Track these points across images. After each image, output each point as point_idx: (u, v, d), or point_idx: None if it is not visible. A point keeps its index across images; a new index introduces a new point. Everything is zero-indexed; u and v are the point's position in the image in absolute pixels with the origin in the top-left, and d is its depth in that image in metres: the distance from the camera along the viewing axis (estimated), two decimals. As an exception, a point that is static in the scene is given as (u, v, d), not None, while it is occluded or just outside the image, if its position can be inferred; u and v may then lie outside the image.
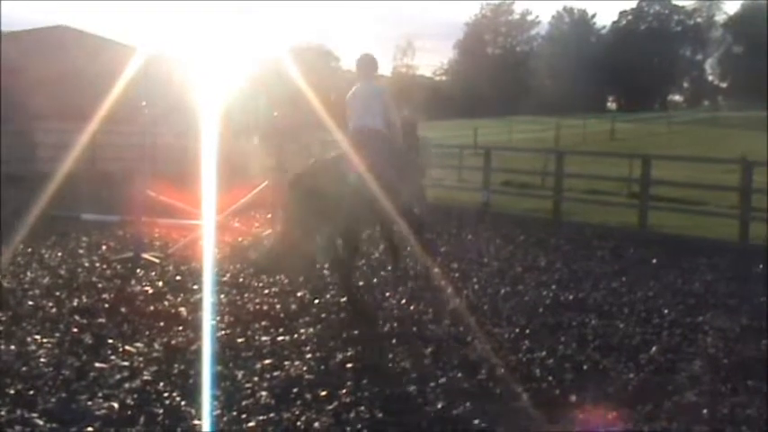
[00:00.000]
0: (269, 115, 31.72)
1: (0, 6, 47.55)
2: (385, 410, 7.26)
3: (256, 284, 12.53)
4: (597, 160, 34.22)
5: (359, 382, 7.98)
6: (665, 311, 11.45)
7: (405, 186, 11.35)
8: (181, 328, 9.88)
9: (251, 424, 6.89)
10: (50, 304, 10.83)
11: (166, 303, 11.13)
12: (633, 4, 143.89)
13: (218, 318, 10.35)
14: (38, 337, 9.27)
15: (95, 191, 23.22)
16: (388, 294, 11.92)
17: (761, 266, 15.42)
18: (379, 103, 11.38)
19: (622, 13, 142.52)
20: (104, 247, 15.58)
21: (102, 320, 10.10)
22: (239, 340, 9.41)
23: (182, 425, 6.85)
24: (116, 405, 7.16)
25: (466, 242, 17.81)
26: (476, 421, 7.06)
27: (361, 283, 11.55)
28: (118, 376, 7.96)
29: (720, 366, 8.95)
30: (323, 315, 10.71)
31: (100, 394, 7.44)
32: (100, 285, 12.20)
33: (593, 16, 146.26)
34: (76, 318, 10.19)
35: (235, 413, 7.09)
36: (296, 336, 9.67)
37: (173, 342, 9.24)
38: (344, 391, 7.70)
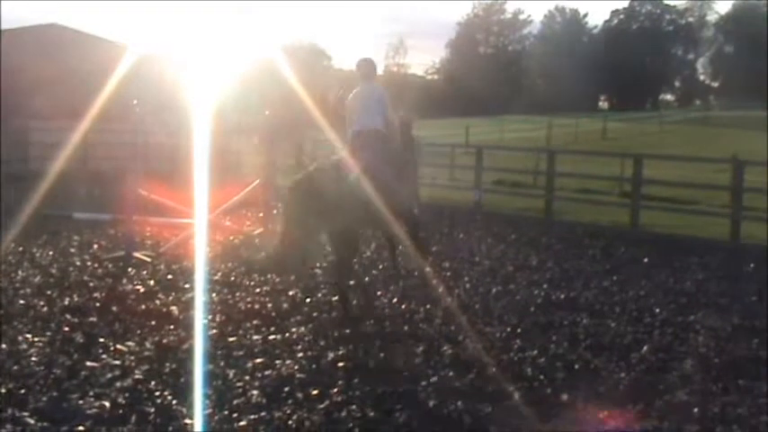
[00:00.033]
0: (261, 114, 31.68)
1: (0, 6, 47.35)
2: (376, 409, 7.27)
3: (248, 283, 12.54)
4: (589, 159, 34.24)
5: (350, 381, 7.98)
6: (657, 311, 11.47)
7: (404, 186, 11.38)
8: (172, 326, 9.88)
9: (242, 423, 6.89)
10: (42, 303, 10.83)
11: (158, 302, 11.13)
12: (625, 4, 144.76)
13: (210, 317, 10.35)
14: (29, 335, 9.27)
15: (87, 190, 23.21)
16: (379, 293, 11.94)
17: (752, 266, 15.45)
18: (378, 105, 11.42)
19: (614, 13, 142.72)
20: (96, 246, 15.57)
21: (93, 319, 10.10)
22: (231, 339, 9.42)
23: (173, 424, 6.85)
24: (107, 404, 7.16)
25: (458, 241, 17.81)
26: (467, 420, 7.07)
27: (352, 282, 11.53)
28: (109, 375, 7.96)
29: (711, 365, 8.97)
30: (314, 314, 10.71)
31: (91, 393, 7.44)
32: (91, 284, 12.19)
33: (585, 16, 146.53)
34: (68, 317, 10.19)
35: (226, 412, 7.09)
36: (287, 335, 9.68)
37: (164, 341, 9.23)
38: (336, 389, 7.71)
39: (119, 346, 8.96)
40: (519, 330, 10.17)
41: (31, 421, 6.79)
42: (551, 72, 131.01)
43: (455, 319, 10.51)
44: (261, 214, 18.63)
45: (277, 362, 8.57)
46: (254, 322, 10.19)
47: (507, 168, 30.37)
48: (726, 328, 10.58)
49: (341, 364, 8.55)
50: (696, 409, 7.53)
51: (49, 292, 11.47)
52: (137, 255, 14.37)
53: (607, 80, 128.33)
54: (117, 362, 8.42)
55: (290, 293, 11.78)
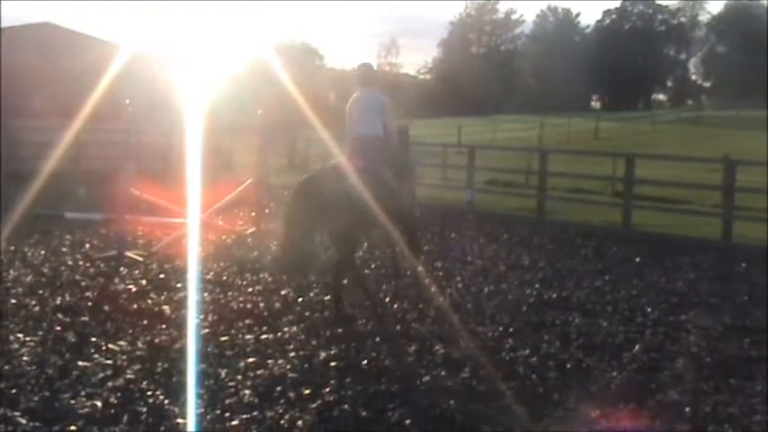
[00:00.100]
0: (253, 113, 31.71)
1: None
2: (369, 408, 7.27)
3: (240, 283, 12.54)
4: (581, 159, 34.32)
5: (342, 381, 7.99)
6: (649, 310, 11.49)
7: (405, 189, 11.41)
8: (164, 326, 9.88)
9: (234, 422, 6.89)
10: (33, 302, 10.81)
11: (150, 302, 11.13)
12: (617, 4, 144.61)
13: (202, 316, 10.34)
14: (21, 335, 9.26)
15: (79, 189, 23.18)
16: (373, 292, 11.94)
17: (744, 265, 15.48)
18: (378, 111, 11.42)
19: (606, 13, 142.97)
20: (88, 246, 15.54)
21: (85, 319, 10.09)
22: (223, 338, 9.41)
23: (165, 423, 6.84)
24: (99, 404, 7.15)
25: (450, 241, 17.83)
26: (460, 419, 7.08)
27: (344, 281, 11.53)
28: (101, 375, 7.96)
29: (703, 365, 8.99)
30: (306, 314, 10.72)
31: (83, 393, 7.44)
32: (83, 284, 12.18)
33: (578, 15, 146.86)
34: (59, 316, 10.17)
35: (218, 411, 7.09)
36: (279, 334, 9.68)
37: (156, 340, 9.23)
38: (328, 389, 7.71)
39: (111, 346, 8.96)
40: (511, 330, 10.18)
41: (23, 421, 6.78)
42: (544, 72, 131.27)
43: (447, 318, 10.52)
44: (253, 213, 18.63)
45: (269, 361, 8.57)
46: (247, 322, 10.18)
47: (499, 168, 30.39)
48: (717, 328, 10.61)
49: (333, 364, 8.55)
50: (688, 409, 7.54)
51: (40, 292, 11.45)
52: (129, 254, 14.36)
53: (599, 80, 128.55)
54: (109, 361, 8.41)
55: (283, 293, 11.78)
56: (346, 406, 7.29)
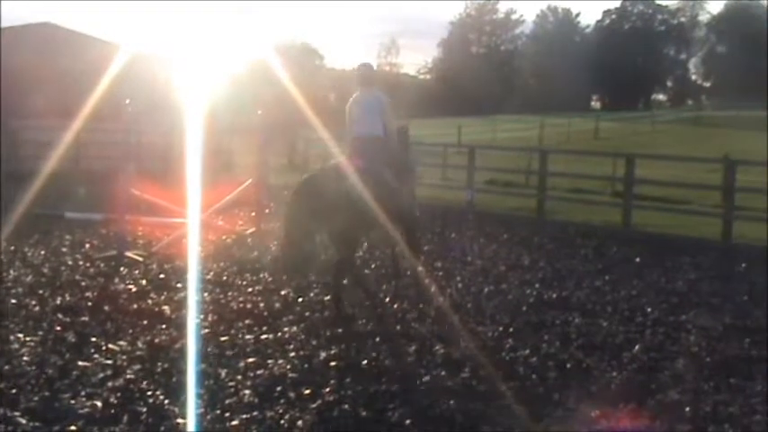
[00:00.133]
0: (253, 113, 31.75)
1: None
2: (369, 408, 7.28)
3: (240, 283, 12.54)
4: (581, 159, 34.31)
5: (342, 381, 7.99)
6: (649, 310, 11.49)
7: (405, 189, 11.41)
8: (164, 326, 9.88)
9: (234, 422, 6.89)
10: (34, 302, 10.81)
11: (150, 302, 11.13)
12: (617, 4, 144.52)
13: (202, 316, 10.34)
14: (21, 335, 9.26)
15: (79, 189, 23.17)
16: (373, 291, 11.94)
17: (744, 265, 15.48)
18: (378, 112, 11.43)
19: (606, 13, 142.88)
20: (88, 246, 15.54)
21: (85, 319, 10.09)
22: (223, 339, 9.42)
23: (165, 423, 6.85)
24: (99, 404, 7.15)
25: (450, 241, 17.82)
26: (460, 419, 7.08)
27: (345, 282, 11.53)
28: (101, 375, 7.96)
29: (703, 365, 8.99)
30: (306, 314, 10.72)
31: (83, 393, 7.44)
32: (83, 284, 12.18)
33: (578, 15, 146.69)
34: (59, 316, 10.18)
35: (218, 411, 7.09)
36: (279, 334, 9.68)
37: (156, 340, 9.23)
38: (328, 389, 7.72)
39: (111, 346, 8.96)
40: (511, 330, 10.18)
41: (23, 421, 6.78)
42: (544, 72, 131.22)
43: (447, 318, 10.52)
44: (253, 214, 18.62)
45: (269, 361, 8.57)
46: (247, 322, 10.19)
47: (499, 168, 30.36)
48: (717, 328, 10.61)
49: (333, 364, 8.56)
50: (688, 409, 7.55)
51: (40, 292, 11.46)
52: (129, 254, 14.36)
53: (599, 80, 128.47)
54: (109, 361, 8.42)
55: (283, 293, 11.78)
56: (346, 406, 7.30)
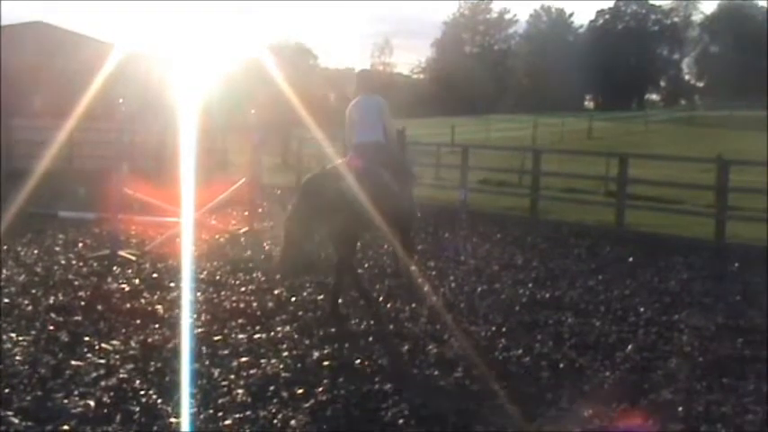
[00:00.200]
0: (247, 113, 31.77)
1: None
2: (361, 408, 7.28)
3: (233, 282, 12.54)
4: (574, 159, 34.37)
5: (335, 380, 7.99)
6: (641, 310, 11.50)
7: (405, 191, 11.44)
8: (157, 325, 9.87)
9: (227, 422, 6.89)
10: (26, 302, 10.80)
11: (143, 301, 11.12)
12: (610, 4, 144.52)
13: (195, 315, 10.34)
14: (13, 334, 9.24)
15: (72, 188, 23.15)
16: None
17: (736, 265, 15.50)
18: (378, 117, 11.46)
19: (600, 13, 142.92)
20: (81, 245, 15.53)
21: (78, 318, 10.08)
22: (216, 338, 9.41)
23: (158, 423, 6.84)
24: (92, 403, 7.14)
25: (443, 240, 17.83)
26: (452, 419, 7.08)
27: (328, 280, 11.54)
28: (94, 374, 7.95)
29: (696, 364, 9.01)
30: (300, 313, 10.72)
31: (76, 392, 7.43)
32: (76, 283, 12.16)
33: (571, 15, 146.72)
34: (52, 315, 10.16)
35: (211, 411, 7.09)
36: (273, 334, 9.68)
37: (149, 340, 9.22)
38: (321, 388, 7.71)
39: (104, 345, 8.95)
40: (504, 329, 10.19)
41: (16, 420, 6.77)
42: (537, 71, 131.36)
43: (440, 318, 10.53)
44: (246, 213, 18.61)
45: (262, 361, 8.57)
46: (240, 321, 10.18)
47: (493, 168, 30.35)
48: (710, 328, 10.62)
49: (326, 363, 8.56)
50: (681, 408, 7.55)
51: (33, 291, 11.44)
52: (122, 253, 14.34)
53: (593, 80, 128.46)
54: (102, 361, 8.40)
55: (276, 292, 11.78)
56: (339, 405, 7.30)
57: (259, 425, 6.86)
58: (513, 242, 17.72)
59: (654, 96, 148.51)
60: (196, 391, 7.54)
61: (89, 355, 8.62)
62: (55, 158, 23.98)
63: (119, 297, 11.31)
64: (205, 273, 13.14)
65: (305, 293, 11.79)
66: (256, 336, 9.55)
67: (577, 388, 8.05)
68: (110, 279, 12.58)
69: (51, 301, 10.87)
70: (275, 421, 6.92)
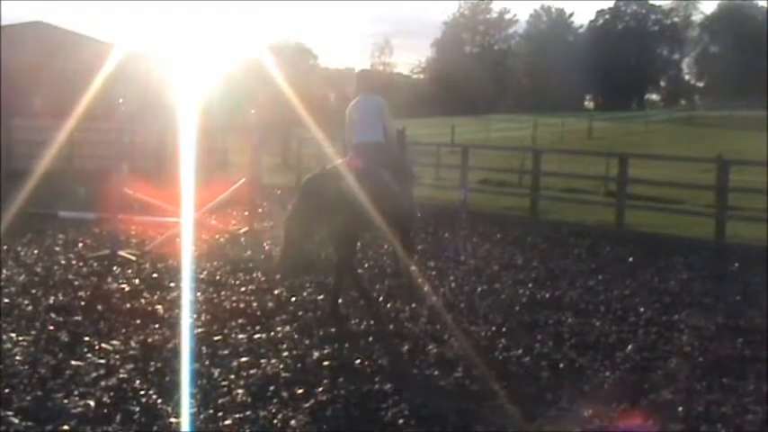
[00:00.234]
0: (247, 113, 31.79)
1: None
2: (361, 408, 7.28)
3: (233, 282, 12.54)
4: (574, 159, 34.36)
5: (335, 380, 7.99)
6: (641, 310, 11.50)
7: (404, 191, 11.44)
8: (157, 325, 9.87)
9: (227, 422, 6.89)
10: (26, 302, 10.79)
11: (143, 301, 11.12)
12: (610, 4, 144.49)
13: (195, 315, 10.34)
14: (13, 334, 9.24)
15: (72, 188, 23.15)
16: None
17: (736, 265, 15.50)
18: (379, 118, 11.47)
19: (600, 13, 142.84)
20: (81, 245, 15.53)
21: (78, 318, 10.08)
22: (216, 338, 9.41)
23: (158, 423, 6.84)
24: (92, 403, 7.14)
25: (443, 240, 17.82)
26: (452, 419, 7.08)
27: (328, 280, 11.54)
28: (94, 374, 7.94)
29: (696, 364, 9.00)
30: (300, 313, 10.72)
31: (76, 392, 7.43)
32: (76, 283, 12.16)
33: (571, 15, 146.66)
34: (52, 315, 10.16)
35: (211, 411, 7.09)
36: (273, 334, 9.68)
37: (149, 340, 9.22)
38: (321, 388, 7.71)
39: (104, 345, 8.95)
40: (504, 329, 10.18)
41: (16, 420, 6.77)
42: (537, 71, 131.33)
43: (440, 317, 10.52)
44: (246, 213, 18.61)
45: (262, 361, 8.57)
46: (240, 321, 10.18)
47: (493, 167, 30.33)
48: (710, 328, 10.62)
49: (326, 363, 8.56)
50: (681, 408, 7.55)
51: (33, 291, 11.43)
52: (122, 253, 14.34)
53: (593, 80, 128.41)
54: (102, 361, 8.40)
55: (276, 292, 11.78)
56: (339, 405, 7.30)
57: (259, 425, 6.86)
58: (513, 242, 17.72)
59: (654, 96, 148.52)
60: (196, 391, 7.54)
61: (89, 355, 8.62)
62: (55, 158, 23.99)
63: (119, 297, 11.31)
64: (205, 273, 13.14)
65: (305, 293, 11.79)
66: (256, 336, 9.55)
67: (577, 388, 8.05)
68: (110, 279, 12.57)
69: (51, 301, 10.87)
70: (275, 421, 6.92)
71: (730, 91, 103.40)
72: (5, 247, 14.62)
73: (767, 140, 40.81)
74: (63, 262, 13.84)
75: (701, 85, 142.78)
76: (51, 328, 9.59)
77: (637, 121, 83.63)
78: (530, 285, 13.00)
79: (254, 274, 13.01)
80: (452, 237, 18.33)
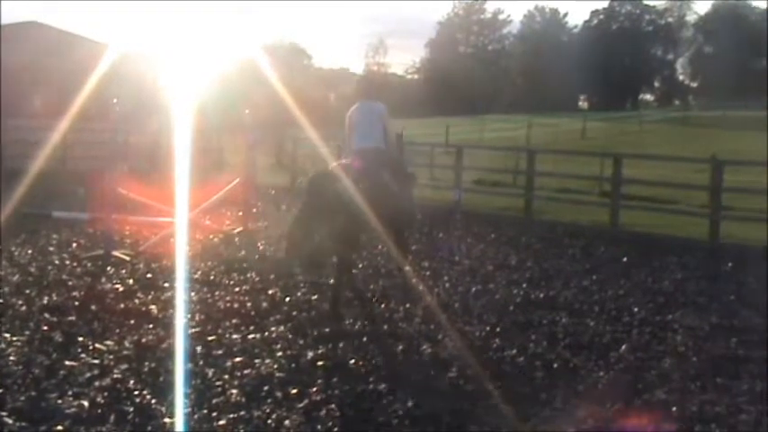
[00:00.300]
0: (241, 113, 31.78)
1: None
2: (355, 408, 7.28)
3: (227, 282, 12.53)
4: (569, 159, 34.31)
5: (329, 380, 7.99)
6: (636, 310, 11.51)
7: (405, 193, 11.45)
8: (151, 325, 9.87)
9: (221, 422, 6.89)
10: (20, 302, 10.78)
11: (137, 301, 11.11)
12: (605, 4, 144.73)
13: (189, 316, 10.33)
14: (7, 335, 9.23)
15: (66, 188, 23.14)
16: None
17: (730, 265, 15.51)
18: (379, 123, 11.48)
19: (594, 13, 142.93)
20: (75, 245, 15.51)
21: (72, 318, 10.07)
22: (210, 338, 9.40)
23: (152, 423, 6.84)
24: (86, 403, 7.13)
25: (437, 240, 17.82)
26: (446, 419, 7.08)
27: (331, 281, 11.55)
28: (88, 374, 7.94)
29: (690, 364, 9.02)
30: (294, 313, 10.72)
31: (70, 392, 7.42)
32: (70, 283, 12.15)
33: (565, 15, 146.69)
34: (46, 316, 10.15)
35: (205, 411, 7.08)
36: (267, 334, 9.68)
37: (143, 340, 9.22)
38: (315, 389, 7.71)
39: (98, 345, 8.94)
40: (498, 329, 10.19)
41: (10, 421, 6.76)
42: (531, 72, 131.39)
43: (434, 318, 10.53)
44: (241, 213, 18.62)
45: (256, 361, 8.57)
46: (234, 321, 10.18)
47: (487, 168, 30.36)
48: (704, 328, 10.64)
49: (320, 363, 8.56)
50: (674, 408, 7.56)
51: (27, 291, 11.42)
52: (116, 253, 14.33)
53: (587, 80, 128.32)
54: (96, 361, 8.40)
55: (270, 292, 11.78)
56: (333, 406, 7.30)
57: (253, 425, 6.86)
58: (507, 242, 17.72)
59: (648, 96, 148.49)
60: (190, 391, 7.53)
61: (83, 355, 8.61)
62: (49, 158, 23.98)
63: (113, 297, 11.30)
64: (199, 273, 13.14)
65: (299, 293, 11.79)
66: (250, 336, 9.55)
67: (571, 388, 8.06)
68: (104, 279, 12.57)
69: (45, 302, 10.86)
70: (269, 421, 6.92)
71: (724, 91, 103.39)
72: (-1, 248, 14.62)
73: (763, 140, 40.83)
74: (57, 262, 13.83)
75: (695, 85, 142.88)
76: (45, 328, 9.58)
77: (631, 121, 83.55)
78: (524, 285, 13.01)
79: (249, 275, 13.01)
80: (447, 237, 18.32)
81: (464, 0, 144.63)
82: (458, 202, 23.97)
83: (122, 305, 10.81)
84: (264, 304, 11.10)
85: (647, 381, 8.37)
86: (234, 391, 7.60)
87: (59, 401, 7.20)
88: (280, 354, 8.88)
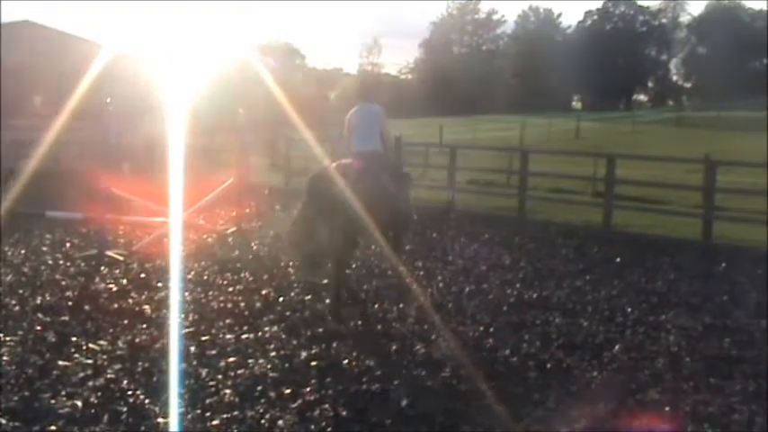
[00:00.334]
0: (235, 113, 31.77)
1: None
2: (349, 408, 7.29)
3: (221, 282, 12.53)
4: (562, 159, 34.30)
5: (323, 380, 8.00)
6: (629, 310, 11.53)
7: (402, 194, 11.45)
8: (145, 325, 9.88)
9: (215, 422, 6.89)
10: (13, 302, 10.78)
11: (130, 301, 11.12)
12: (599, 5, 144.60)
13: (183, 315, 10.33)
14: (0, 335, 9.22)
15: (60, 188, 23.10)
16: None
17: (723, 265, 15.52)
18: (377, 126, 11.48)
19: (588, 13, 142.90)
20: (68, 245, 15.51)
21: (65, 318, 10.07)
22: (203, 338, 9.41)
23: (145, 423, 6.84)
24: (79, 403, 7.14)
25: (431, 240, 17.81)
26: (440, 419, 7.09)
27: (325, 281, 11.55)
28: (81, 374, 7.95)
29: (683, 364, 9.04)
30: (287, 313, 10.72)
31: (63, 392, 7.43)
32: (63, 283, 12.15)
33: (559, 16, 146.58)
34: (40, 315, 10.15)
35: (199, 411, 7.10)
36: (260, 334, 9.69)
37: (137, 340, 9.22)
38: (308, 389, 7.72)
39: (91, 345, 8.95)
40: (491, 329, 10.20)
41: (3, 421, 6.77)
42: (525, 72, 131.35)
43: (428, 318, 10.53)
44: (234, 213, 18.61)
45: (250, 361, 8.58)
46: (227, 321, 10.19)
47: (481, 168, 30.29)
48: (697, 328, 10.66)
49: (314, 363, 8.57)
50: (667, 408, 7.58)
51: (20, 291, 11.43)
52: (109, 253, 14.33)
53: (580, 80, 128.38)
54: (89, 361, 8.40)
55: (263, 292, 11.79)
56: (327, 406, 7.31)
57: (246, 425, 6.87)
58: (500, 242, 17.72)
59: (641, 97, 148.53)
60: (184, 391, 7.54)
61: (76, 355, 8.62)
62: (42, 158, 23.92)
63: (106, 297, 11.31)
64: (193, 273, 13.14)
65: (292, 294, 11.80)
66: (244, 336, 9.56)
67: (565, 388, 8.08)
68: (97, 279, 12.57)
69: (38, 302, 10.87)
70: (263, 421, 6.94)
71: (718, 92, 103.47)
72: (-8, 247, 14.60)
73: (756, 141, 40.89)
74: (50, 262, 13.82)
75: (688, 85, 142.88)
76: (38, 328, 9.59)
77: (624, 121, 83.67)
78: (517, 285, 13.02)
79: (242, 275, 13.01)
80: (440, 237, 18.32)
81: (458, 0, 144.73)
82: (451, 202, 23.95)
83: (116, 305, 10.82)
84: (258, 304, 11.11)
85: (641, 381, 8.39)
86: (227, 391, 7.61)
87: (53, 401, 7.21)
88: (273, 354, 8.89)
